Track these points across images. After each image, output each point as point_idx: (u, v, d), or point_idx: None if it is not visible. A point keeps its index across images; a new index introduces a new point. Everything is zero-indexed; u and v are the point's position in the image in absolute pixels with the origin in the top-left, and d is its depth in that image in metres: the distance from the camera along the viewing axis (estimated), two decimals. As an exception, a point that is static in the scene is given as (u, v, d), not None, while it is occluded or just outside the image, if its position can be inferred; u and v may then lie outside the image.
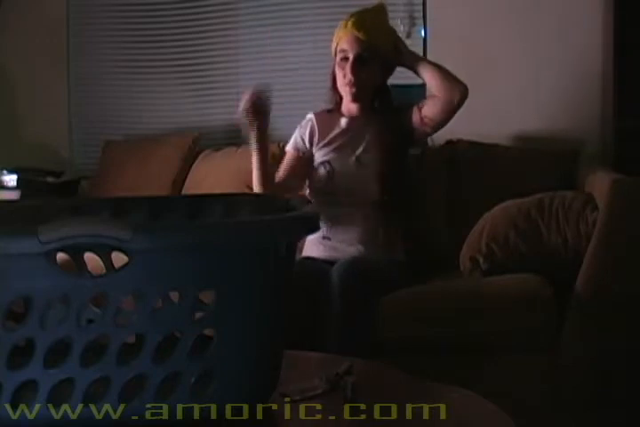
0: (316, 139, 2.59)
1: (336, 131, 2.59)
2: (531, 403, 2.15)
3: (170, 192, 3.29)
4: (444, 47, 3.27)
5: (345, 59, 2.51)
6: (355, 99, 2.54)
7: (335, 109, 2.62)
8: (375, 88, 2.57)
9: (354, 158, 2.53)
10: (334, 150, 2.56)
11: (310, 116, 2.65)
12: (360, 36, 2.49)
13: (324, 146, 2.58)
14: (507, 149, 2.95)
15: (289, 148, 2.66)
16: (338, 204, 2.49)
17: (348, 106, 2.59)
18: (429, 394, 1.24)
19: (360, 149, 2.53)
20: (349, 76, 2.50)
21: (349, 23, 2.51)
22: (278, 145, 3.18)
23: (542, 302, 2.19)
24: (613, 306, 2.12)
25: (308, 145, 2.61)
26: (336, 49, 2.55)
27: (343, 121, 2.59)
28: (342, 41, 2.52)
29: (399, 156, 2.56)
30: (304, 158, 2.60)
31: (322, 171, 2.55)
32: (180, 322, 0.97)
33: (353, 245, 2.45)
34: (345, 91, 2.55)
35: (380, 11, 2.59)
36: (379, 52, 2.52)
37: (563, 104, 3.12)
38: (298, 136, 2.64)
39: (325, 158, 2.56)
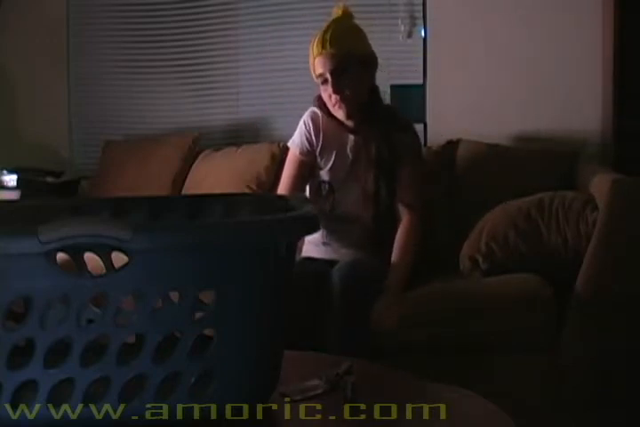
0: (320, 143, 2.49)
1: (340, 152, 2.48)
2: (531, 403, 2.15)
3: (170, 192, 3.29)
4: (443, 47, 3.28)
5: (325, 81, 2.41)
6: (349, 116, 2.44)
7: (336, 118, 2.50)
8: (366, 95, 2.46)
9: (355, 184, 2.45)
10: (337, 173, 2.48)
11: (315, 111, 2.51)
12: (328, 51, 2.38)
13: (325, 162, 2.49)
14: (507, 149, 2.95)
15: (294, 149, 2.54)
16: (336, 220, 2.46)
17: (345, 123, 2.48)
18: (429, 394, 1.24)
19: (361, 175, 2.45)
20: (334, 96, 2.40)
21: (314, 45, 2.42)
22: (278, 145, 3.18)
23: (542, 302, 2.19)
24: (613, 306, 2.12)
25: (313, 146, 2.50)
26: (316, 76, 2.45)
27: (350, 142, 2.48)
28: (316, 65, 2.42)
29: (394, 172, 2.45)
30: (309, 163, 2.51)
31: (322, 190, 2.49)
32: (179, 322, 0.97)
33: (353, 249, 2.45)
34: (337, 112, 2.44)
35: (342, 18, 2.49)
36: (354, 57, 2.41)
37: (563, 104, 3.12)
38: (304, 138, 2.51)
39: (326, 179, 2.49)
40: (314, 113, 2.51)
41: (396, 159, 2.44)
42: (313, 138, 2.49)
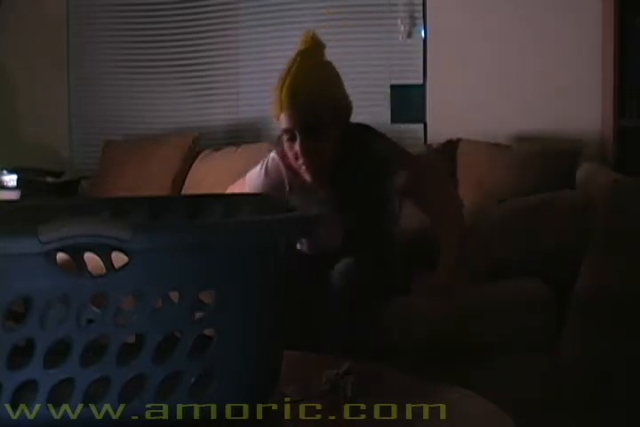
0: (282, 191, 2.30)
1: (305, 199, 2.18)
2: (531, 403, 2.15)
3: (170, 192, 3.29)
4: (443, 47, 3.28)
5: (293, 137, 2.16)
6: (314, 179, 2.22)
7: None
8: (337, 151, 2.21)
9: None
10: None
11: (277, 163, 2.32)
12: (300, 105, 2.14)
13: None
14: (507, 149, 2.95)
15: (252, 188, 2.35)
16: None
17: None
18: (429, 394, 1.24)
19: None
20: (302, 159, 2.17)
21: (282, 96, 2.15)
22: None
23: (542, 302, 2.19)
24: (613, 306, 2.12)
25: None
26: (283, 130, 2.20)
27: (315, 194, 2.25)
28: (282, 120, 2.17)
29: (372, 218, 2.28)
30: None
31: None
32: (179, 322, 0.97)
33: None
34: (301, 170, 2.22)
35: (309, 52, 2.20)
36: (325, 111, 2.16)
37: (563, 104, 3.12)
38: (260, 186, 2.33)
39: None
40: (276, 164, 2.33)
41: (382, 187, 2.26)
42: (274, 189, 2.31)
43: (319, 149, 2.18)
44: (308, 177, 2.22)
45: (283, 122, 2.18)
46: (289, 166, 2.27)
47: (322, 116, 2.16)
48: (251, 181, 2.39)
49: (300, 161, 2.19)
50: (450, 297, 2.20)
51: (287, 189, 2.31)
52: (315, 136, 2.16)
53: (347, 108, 2.25)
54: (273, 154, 2.35)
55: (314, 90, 2.17)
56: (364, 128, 2.31)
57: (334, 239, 2.17)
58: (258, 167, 2.37)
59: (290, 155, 2.22)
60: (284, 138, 2.20)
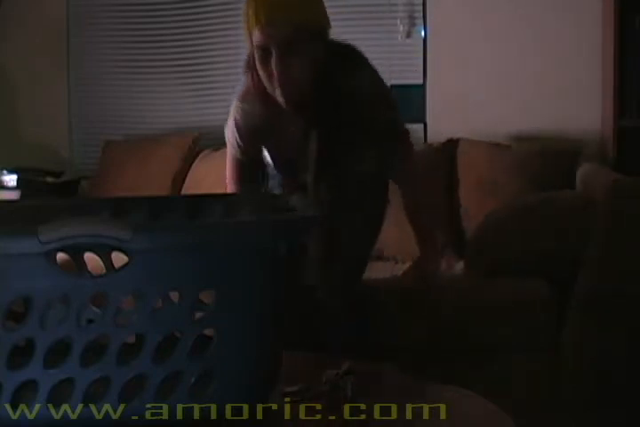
0: (255, 139, 2.11)
1: (280, 141, 2.08)
2: (531, 403, 2.15)
3: (170, 192, 3.29)
4: (443, 47, 3.28)
5: (267, 54, 1.91)
6: (288, 102, 1.95)
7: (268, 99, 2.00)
8: (314, 73, 1.96)
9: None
10: (283, 163, 2.10)
11: (237, 104, 2.09)
12: (277, 18, 1.88)
13: (269, 152, 2.13)
14: (507, 149, 2.95)
15: (230, 149, 2.17)
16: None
17: (282, 106, 1.99)
18: (429, 394, 1.24)
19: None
20: (277, 79, 1.91)
21: (258, 8, 1.89)
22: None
23: (542, 302, 2.19)
24: (613, 306, 2.12)
25: (251, 146, 2.14)
26: (250, 38, 1.94)
27: (289, 130, 2.05)
28: (256, 34, 1.91)
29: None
30: (250, 162, 2.16)
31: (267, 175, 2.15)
32: (180, 322, 0.97)
33: None
34: (276, 93, 1.95)
35: None
36: (305, 28, 1.90)
37: (563, 104, 3.12)
38: (236, 140, 2.13)
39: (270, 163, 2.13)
40: (238, 107, 2.10)
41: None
42: (247, 138, 2.13)
43: (297, 68, 1.92)
44: (282, 101, 1.96)
45: (256, 37, 1.92)
46: (259, 97, 2.03)
47: (302, 31, 1.89)
48: (229, 140, 2.18)
49: (276, 83, 1.93)
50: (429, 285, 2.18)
51: (262, 125, 2.07)
52: (293, 52, 1.90)
53: (327, 23, 1.99)
54: (234, 101, 2.13)
55: (294, 1, 1.91)
56: (350, 52, 2.05)
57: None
58: (230, 121, 2.16)
59: (263, 76, 1.96)
60: (257, 56, 1.95)
